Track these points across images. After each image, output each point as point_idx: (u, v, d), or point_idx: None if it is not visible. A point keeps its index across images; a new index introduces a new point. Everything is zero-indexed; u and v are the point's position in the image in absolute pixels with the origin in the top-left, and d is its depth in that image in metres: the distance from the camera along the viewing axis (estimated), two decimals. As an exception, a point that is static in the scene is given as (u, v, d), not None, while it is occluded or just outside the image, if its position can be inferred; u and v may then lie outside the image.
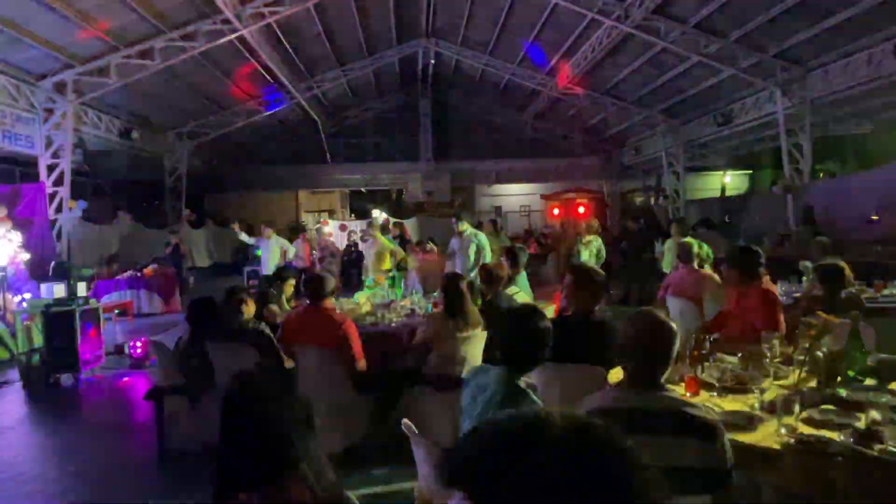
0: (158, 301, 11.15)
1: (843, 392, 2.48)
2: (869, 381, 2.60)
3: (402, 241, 10.42)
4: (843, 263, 3.94)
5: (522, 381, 2.30)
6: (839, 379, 2.58)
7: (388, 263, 8.04)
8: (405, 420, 2.51)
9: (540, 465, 0.62)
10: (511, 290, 4.79)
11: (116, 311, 10.20)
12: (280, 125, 17.77)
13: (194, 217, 15.84)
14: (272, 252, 9.33)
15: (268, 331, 4.22)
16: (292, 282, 5.74)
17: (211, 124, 14.88)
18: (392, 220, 14.43)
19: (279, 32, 11.30)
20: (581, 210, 19.86)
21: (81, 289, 6.77)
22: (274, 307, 5.18)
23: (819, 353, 2.61)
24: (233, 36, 9.89)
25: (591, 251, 8.08)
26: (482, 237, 7.47)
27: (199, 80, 12.25)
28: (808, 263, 5.60)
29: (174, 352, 4.28)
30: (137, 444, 4.59)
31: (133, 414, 5.47)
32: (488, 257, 7.37)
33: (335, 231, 18.36)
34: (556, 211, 20.41)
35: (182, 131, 14.71)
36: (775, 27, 9.14)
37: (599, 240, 8.35)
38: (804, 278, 5.58)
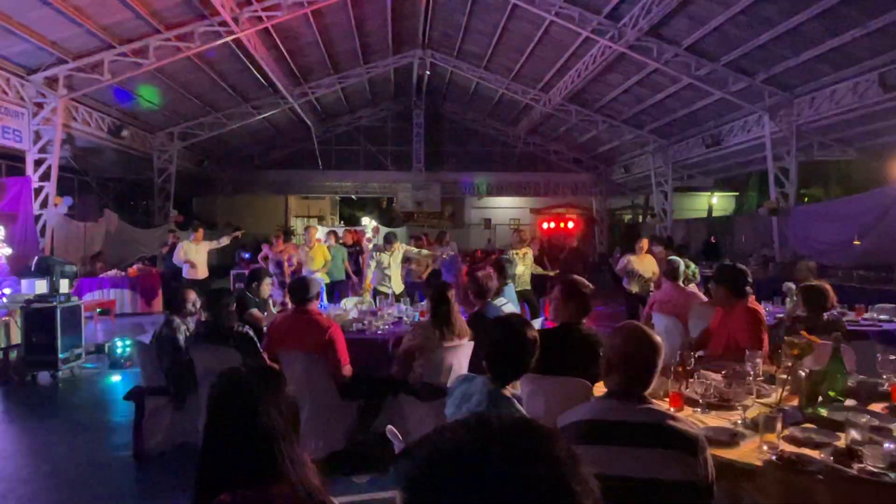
0: (141, 301, 11.04)
1: (823, 411, 2.51)
2: (849, 402, 2.64)
3: (358, 250, 10.54)
4: (827, 286, 4.01)
5: (507, 391, 2.31)
6: (820, 399, 2.61)
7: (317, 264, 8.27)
8: (390, 427, 2.50)
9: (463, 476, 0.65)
10: (499, 301, 4.80)
11: (98, 310, 10.05)
12: (273, 129, 17.73)
13: (182, 219, 15.69)
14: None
15: (252, 334, 4.19)
16: (269, 281, 5.61)
17: (203, 126, 14.81)
18: (382, 228, 14.48)
19: (276, 37, 11.32)
20: (570, 225, 20.02)
21: (64, 286, 6.67)
22: (256, 311, 5.12)
23: (801, 373, 2.65)
24: (229, 38, 9.88)
25: (525, 264, 7.96)
26: (384, 256, 7.84)
27: (193, 81, 12.21)
28: (792, 285, 5.69)
29: (153, 346, 4.22)
30: (115, 444, 4.50)
31: (112, 414, 5.37)
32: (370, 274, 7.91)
33: (324, 238, 18.31)
34: (545, 225, 20.54)
35: (173, 131, 14.62)
36: (764, 53, 9.34)
37: (530, 252, 8.19)
38: (787, 299, 5.66)
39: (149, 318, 10.47)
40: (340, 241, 10.15)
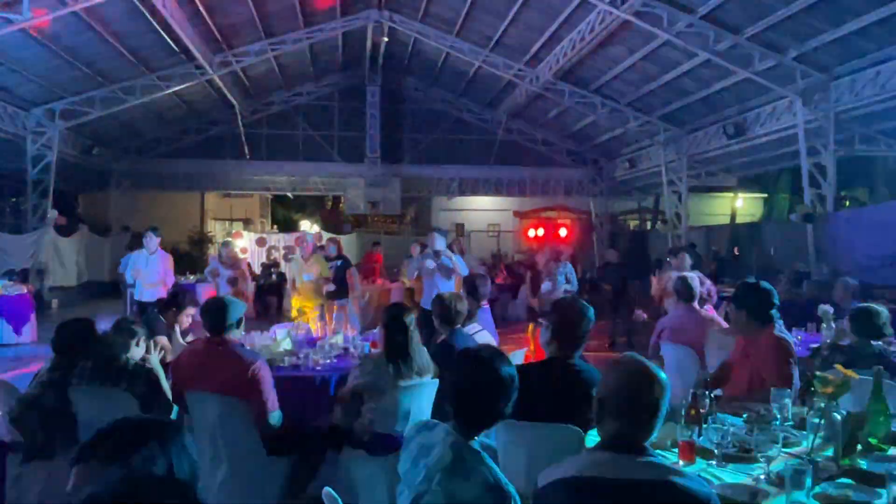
0: (7, 328, 10.77)
1: (863, 463, 2.59)
2: (894, 451, 2.72)
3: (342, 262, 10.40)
4: (882, 309, 4.13)
5: (478, 442, 2.31)
6: (859, 447, 2.69)
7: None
8: (327, 489, 2.47)
9: None
10: (470, 328, 4.81)
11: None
12: (185, 108, 17.51)
13: (64, 221, 15.32)
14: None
15: (154, 371, 4.11)
16: (191, 310, 5.58)
17: (93, 101, 14.53)
18: (325, 234, 14.39)
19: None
20: (563, 232, 20.27)
21: None
22: (163, 339, 5.04)
23: (836, 416, 2.72)
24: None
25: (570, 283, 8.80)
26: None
27: (81, 43, 11.98)
28: (829, 308, 5.86)
29: (25, 394, 4.09)
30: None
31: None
32: None
33: (251, 247, 18.13)
34: (532, 232, 20.72)
35: (54, 108, 14.30)
36: (796, 25, 9.66)
37: (570, 266, 9.11)
38: (823, 325, 5.83)
39: (16, 349, 10.16)
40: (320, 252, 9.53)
